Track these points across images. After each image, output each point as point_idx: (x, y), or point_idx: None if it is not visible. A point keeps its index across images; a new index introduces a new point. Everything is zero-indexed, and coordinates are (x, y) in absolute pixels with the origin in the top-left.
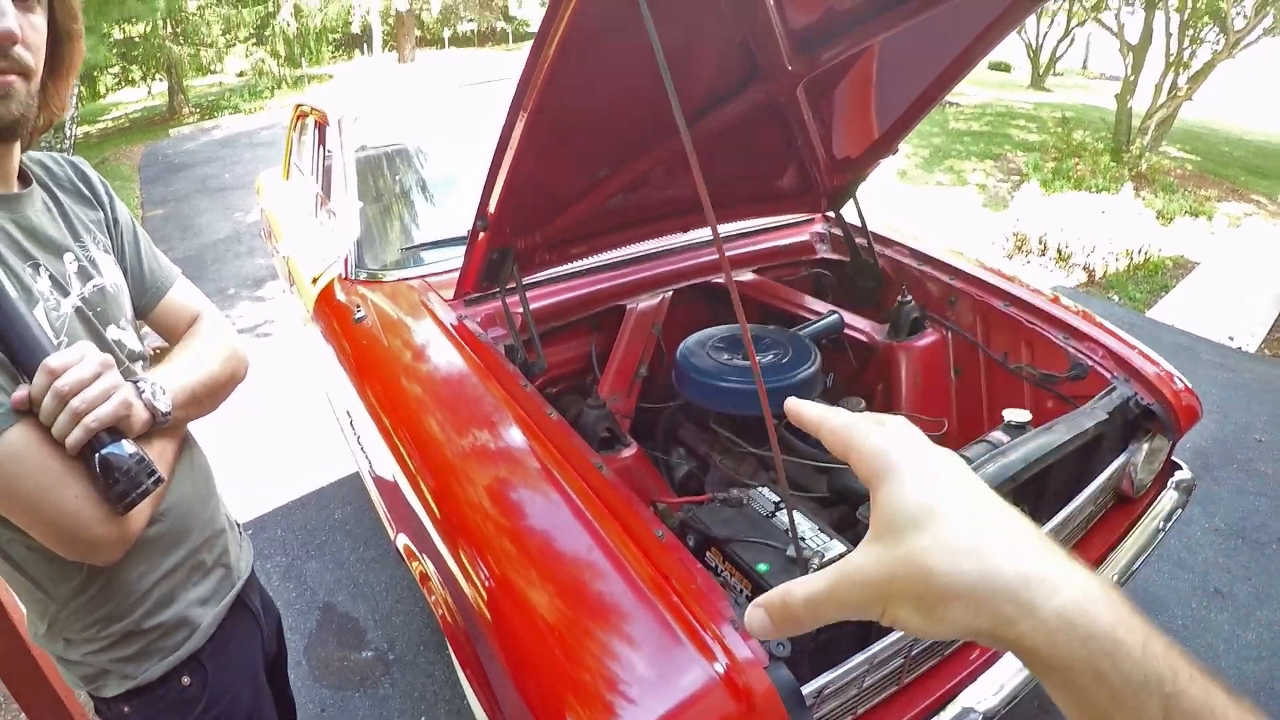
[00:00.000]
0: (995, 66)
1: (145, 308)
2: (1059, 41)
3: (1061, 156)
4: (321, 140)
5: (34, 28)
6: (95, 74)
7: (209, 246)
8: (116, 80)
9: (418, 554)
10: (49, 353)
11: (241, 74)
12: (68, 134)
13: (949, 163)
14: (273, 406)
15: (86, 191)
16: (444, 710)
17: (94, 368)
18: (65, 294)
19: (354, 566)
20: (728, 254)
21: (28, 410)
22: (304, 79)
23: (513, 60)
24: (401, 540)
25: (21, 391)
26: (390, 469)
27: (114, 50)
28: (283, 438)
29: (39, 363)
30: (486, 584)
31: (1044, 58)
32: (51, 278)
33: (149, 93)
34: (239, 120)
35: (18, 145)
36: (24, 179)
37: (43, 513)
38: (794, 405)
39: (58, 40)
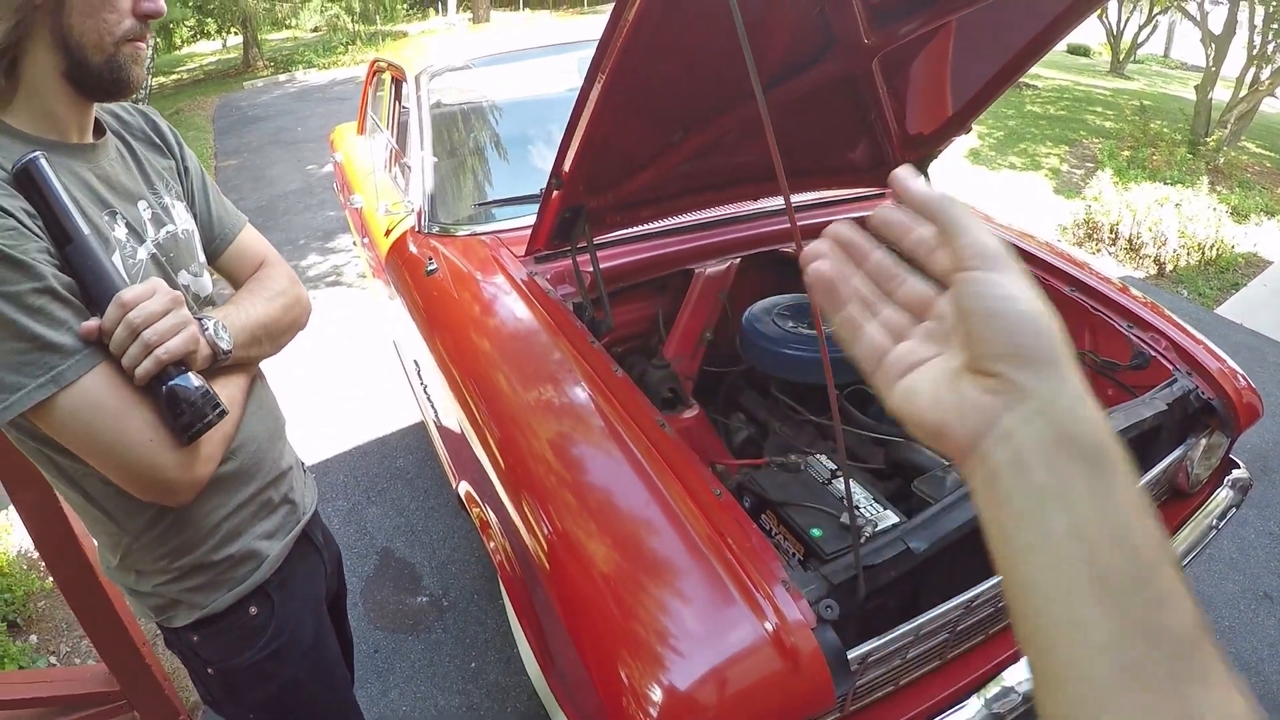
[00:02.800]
0: (1074, 50)
1: (214, 253)
2: (1140, 28)
3: (1137, 146)
4: (398, 96)
5: None
6: (171, 26)
7: (280, 197)
8: (192, 33)
9: (479, 501)
10: (121, 288)
11: (316, 29)
12: (144, 84)
13: (1023, 145)
14: (339, 355)
15: (158, 140)
16: (494, 657)
17: (165, 302)
18: (141, 241)
19: (413, 514)
20: (797, 224)
21: (97, 340)
22: (378, 36)
23: (587, 25)
24: (463, 488)
25: (92, 323)
26: (456, 418)
27: (190, 4)
28: (348, 386)
29: (111, 297)
30: (547, 535)
31: (1124, 43)
32: (128, 225)
33: (224, 46)
34: (313, 75)
35: None
36: (98, 129)
37: (119, 454)
38: (903, 173)
39: None
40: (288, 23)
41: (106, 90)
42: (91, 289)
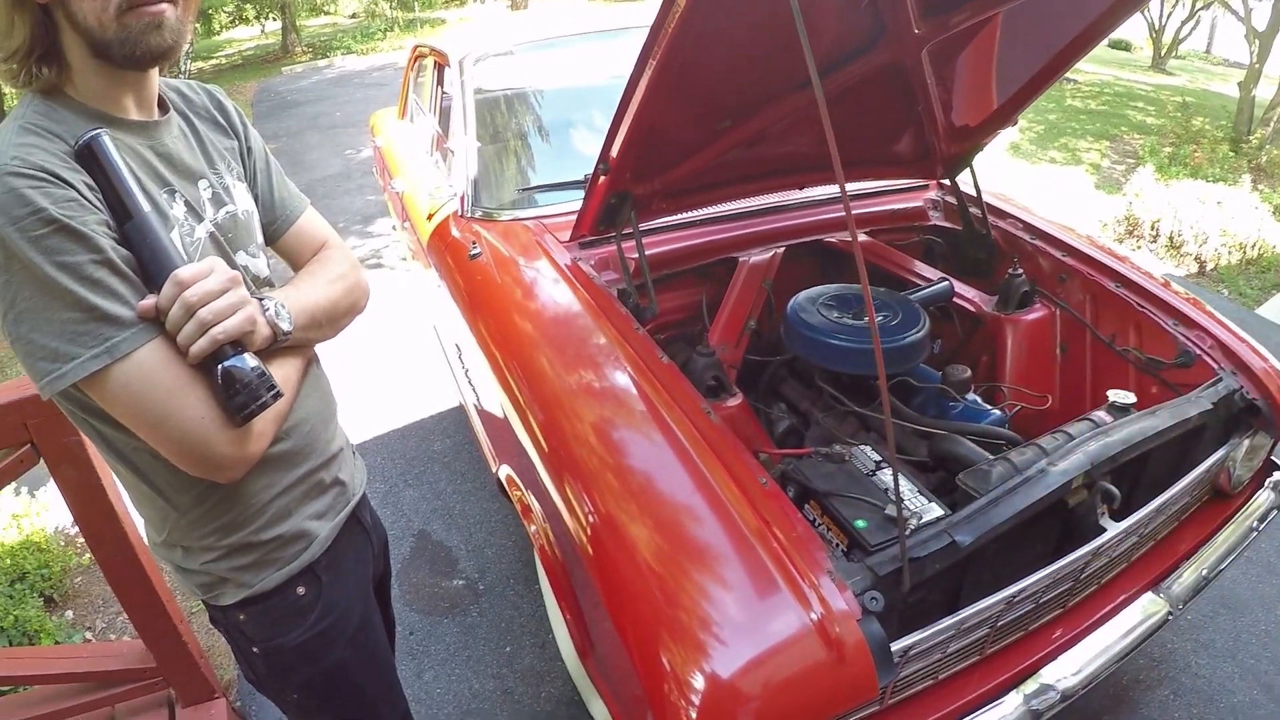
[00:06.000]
0: (1116, 45)
1: (275, 234)
2: (1183, 23)
3: (1179, 142)
4: (440, 81)
5: None
6: (210, 12)
7: (319, 181)
8: (231, 18)
9: (520, 485)
10: (179, 265)
11: (354, 15)
12: (182, 68)
13: (1063, 140)
14: (377, 339)
15: (222, 120)
16: (529, 642)
17: (222, 281)
18: (200, 219)
19: (450, 497)
20: (852, 213)
21: (154, 319)
22: (416, 23)
23: (629, 12)
24: (504, 471)
25: (149, 301)
26: (498, 402)
27: None
28: (386, 370)
29: (168, 275)
30: (590, 519)
31: (1166, 39)
32: (187, 203)
33: (263, 31)
34: (352, 60)
35: (155, 72)
36: (161, 106)
37: (170, 429)
38: None
39: None
40: (326, 9)
41: (129, 62)
42: (149, 266)
